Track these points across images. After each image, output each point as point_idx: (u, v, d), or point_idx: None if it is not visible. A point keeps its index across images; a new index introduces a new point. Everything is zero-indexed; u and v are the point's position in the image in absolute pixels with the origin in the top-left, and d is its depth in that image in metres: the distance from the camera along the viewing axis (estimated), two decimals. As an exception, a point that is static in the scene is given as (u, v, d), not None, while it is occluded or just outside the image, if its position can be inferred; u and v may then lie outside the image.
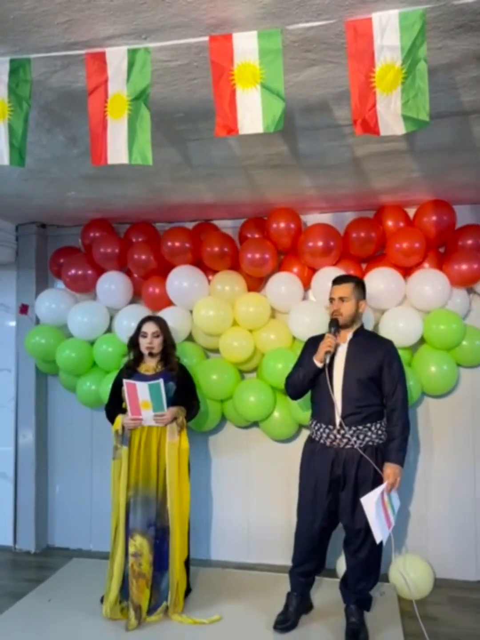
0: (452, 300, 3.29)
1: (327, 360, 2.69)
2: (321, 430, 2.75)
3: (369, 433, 2.68)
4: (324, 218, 3.58)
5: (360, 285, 2.80)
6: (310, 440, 2.86)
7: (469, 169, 2.82)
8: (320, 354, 2.68)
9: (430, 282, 3.22)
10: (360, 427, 2.67)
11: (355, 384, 2.68)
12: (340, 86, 1.91)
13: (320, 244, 3.29)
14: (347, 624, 2.75)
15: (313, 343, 2.83)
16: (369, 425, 2.68)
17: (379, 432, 2.71)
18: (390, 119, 1.50)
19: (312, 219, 3.60)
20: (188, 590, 3.10)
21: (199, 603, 3.07)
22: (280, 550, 3.16)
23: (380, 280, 3.26)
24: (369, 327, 3.31)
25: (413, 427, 3.48)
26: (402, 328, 3.23)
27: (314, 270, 3.41)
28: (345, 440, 2.68)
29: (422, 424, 3.49)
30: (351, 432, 2.66)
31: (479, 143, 2.47)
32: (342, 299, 2.73)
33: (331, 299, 2.78)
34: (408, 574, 3.08)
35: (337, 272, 3.31)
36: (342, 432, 2.67)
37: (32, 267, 3.98)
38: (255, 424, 3.62)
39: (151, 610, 2.90)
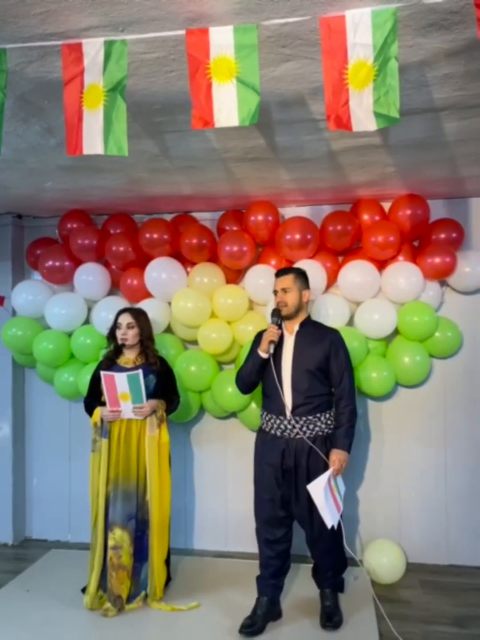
0: (426, 293, 3.37)
1: (271, 351, 2.70)
2: (272, 420, 2.76)
3: (319, 423, 2.70)
4: (302, 211, 3.61)
5: (302, 276, 2.80)
6: (261, 431, 2.87)
7: (442, 164, 2.88)
8: (264, 345, 2.68)
9: (404, 275, 3.29)
10: (310, 417, 2.69)
11: (303, 374, 2.70)
12: (315, 81, 1.94)
13: (297, 236, 3.33)
14: (322, 608, 2.83)
15: (261, 337, 2.85)
16: (318, 415, 2.70)
17: (328, 422, 2.73)
18: (363, 115, 1.54)
19: (289, 211, 3.64)
20: (168, 580, 3.13)
21: (178, 591, 3.11)
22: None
23: (356, 273, 3.32)
24: (344, 319, 3.37)
25: (386, 416, 3.58)
26: (377, 320, 3.31)
27: (291, 262, 3.44)
28: (295, 431, 2.69)
29: (395, 413, 3.57)
30: (301, 422, 2.69)
31: (450, 139, 2.52)
32: (284, 290, 2.74)
33: (274, 292, 2.80)
34: (380, 558, 3.17)
35: (316, 265, 3.36)
36: (292, 422, 2.69)
37: (8, 258, 3.94)
38: (233, 414, 3.67)
39: (130, 599, 2.93)
